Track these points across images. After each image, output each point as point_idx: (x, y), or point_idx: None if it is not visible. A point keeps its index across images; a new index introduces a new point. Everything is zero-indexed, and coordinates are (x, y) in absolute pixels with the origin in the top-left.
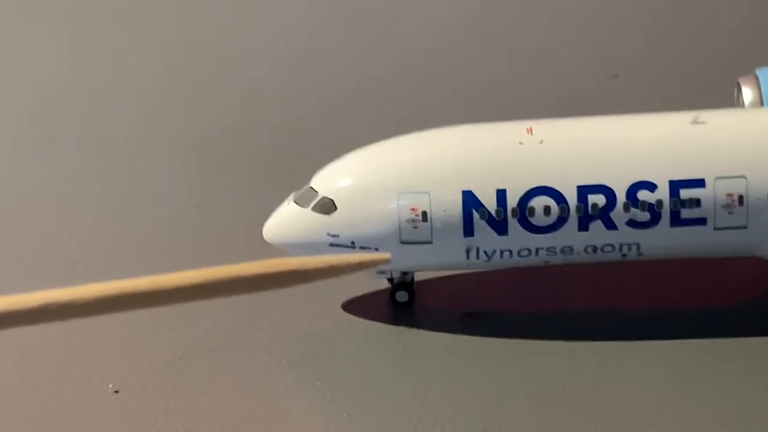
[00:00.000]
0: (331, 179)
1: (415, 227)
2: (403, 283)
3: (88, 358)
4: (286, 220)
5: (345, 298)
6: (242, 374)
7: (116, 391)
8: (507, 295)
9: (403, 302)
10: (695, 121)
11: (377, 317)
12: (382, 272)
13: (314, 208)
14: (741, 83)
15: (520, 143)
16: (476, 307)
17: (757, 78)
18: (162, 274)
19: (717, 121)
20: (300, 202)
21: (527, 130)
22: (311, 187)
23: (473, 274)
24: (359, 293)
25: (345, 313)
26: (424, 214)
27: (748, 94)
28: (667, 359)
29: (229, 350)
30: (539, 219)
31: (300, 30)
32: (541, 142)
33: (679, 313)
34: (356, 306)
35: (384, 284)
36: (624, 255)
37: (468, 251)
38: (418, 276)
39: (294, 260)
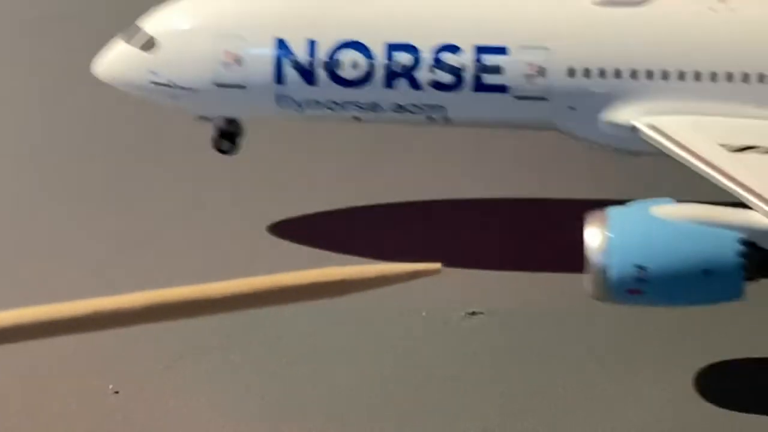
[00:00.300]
0: (157, 18)
1: (229, 70)
2: (228, 131)
3: (88, 358)
4: (113, 56)
5: None
6: (242, 374)
7: (116, 392)
8: (507, 295)
9: (226, 151)
10: None
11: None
12: (205, 117)
13: (136, 45)
14: None
15: None
16: (476, 307)
17: None
18: (208, 284)
19: None
20: (126, 38)
21: None
22: (137, 25)
23: (473, 273)
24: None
25: (345, 314)
26: (238, 57)
27: None
28: (668, 359)
29: (229, 350)
30: (347, 72)
31: None
32: None
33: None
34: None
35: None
36: (430, 118)
37: (279, 98)
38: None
39: (345, 270)
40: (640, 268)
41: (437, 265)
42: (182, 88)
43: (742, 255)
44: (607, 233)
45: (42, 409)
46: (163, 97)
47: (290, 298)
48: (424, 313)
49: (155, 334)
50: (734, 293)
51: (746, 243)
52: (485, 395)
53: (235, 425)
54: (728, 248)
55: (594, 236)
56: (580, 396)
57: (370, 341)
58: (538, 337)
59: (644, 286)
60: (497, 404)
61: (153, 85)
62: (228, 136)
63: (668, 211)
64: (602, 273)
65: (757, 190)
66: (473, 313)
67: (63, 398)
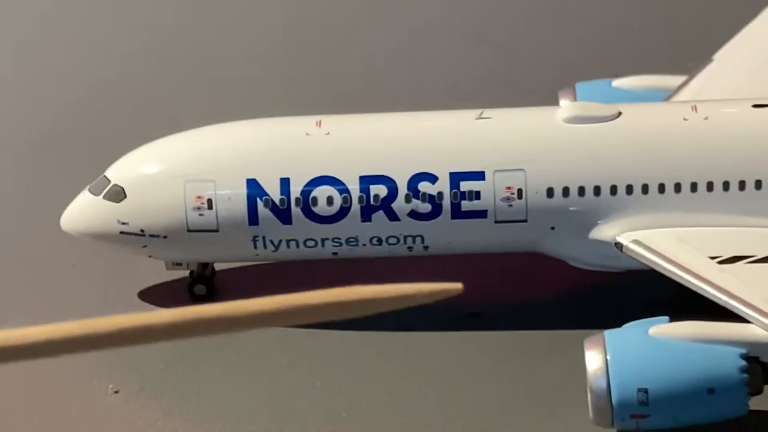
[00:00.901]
0: (123, 168)
1: (201, 215)
2: (202, 276)
3: (88, 358)
4: (80, 208)
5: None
6: (242, 374)
7: (116, 391)
8: (507, 295)
9: (201, 295)
10: (479, 116)
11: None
12: (178, 264)
13: (105, 196)
14: (560, 95)
15: (307, 134)
16: (476, 307)
17: (574, 91)
18: (236, 301)
19: (500, 117)
20: (93, 190)
21: (316, 123)
22: (104, 176)
23: (474, 273)
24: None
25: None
26: (210, 201)
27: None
28: None
29: (229, 350)
30: (322, 209)
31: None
32: (328, 133)
33: None
34: (155, 295)
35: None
36: (410, 248)
37: (255, 240)
38: (424, 277)
39: (366, 289)
40: (643, 391)
41: (458, 285)
42: (154, 236)
43: (745, 371)
44: (606, 358)
45: (42, 409)
46: (135, 246)
47: (316, 316)
48: (423, 314)
49: None
50: (739, 409)
51: (748, 358)
52: (485, 395)
53: (235, 425)
54: (731, 365)
55: (593, 361)
56: (581, 396)
57: (370, 341)
58: (538, 338)
59: (648, 410)
60: (497, 404)
61: (123, 235)
62: (202, 281)
63: (666, 330)
64: (604, 398)
65: (753, 302)
66: (473, 313)
67: (63, 398)
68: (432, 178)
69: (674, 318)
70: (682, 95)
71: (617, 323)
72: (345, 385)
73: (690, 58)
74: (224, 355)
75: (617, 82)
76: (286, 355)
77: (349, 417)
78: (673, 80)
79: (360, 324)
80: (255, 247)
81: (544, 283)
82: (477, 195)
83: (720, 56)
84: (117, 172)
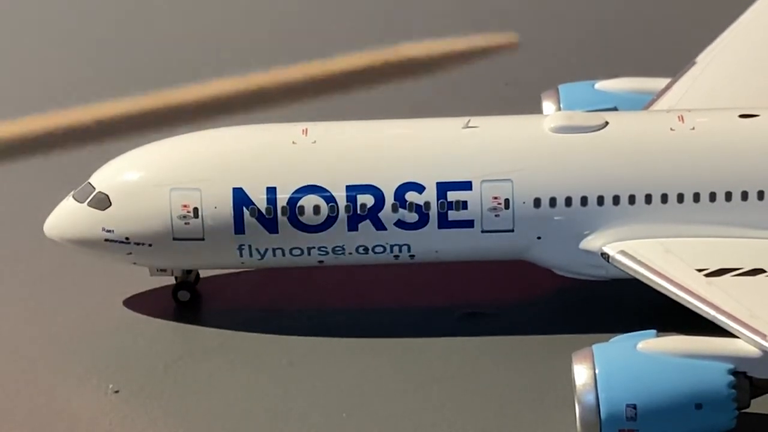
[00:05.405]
0: (108, 175)
1: (186, 224)
2: (186, 282)
3: (88, 358)
4: (64, 215)
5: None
6: (242, 374)
7: (116, 391)
8: (507, 295)
9: (184, 301)
10: (466, 125)
11: (161, 315)
12: (162, 270)
13: (90, 204)
14: (543, 97)
15: (294, 143)
16: (476, 307)
17: (557, 92)
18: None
19: (487, 125)
20: (78, 197)
21: (302, 130)
22: (89, 183)
23: (474, 273)
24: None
25: (345, 314)
26: (196, 210)
27: (548, 107)
28: None
29: (229, 350)
30: (309, 218)
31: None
32: (314, 142)
33: None
34: (140, 300)
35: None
36: (396, 257)
37: (240, 249)
38: (423, 277)
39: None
40: (631, 406)
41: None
42: (140, 243)
43: (733, 386)
44: (594, 372)
45: (42, 409)
46: (119, 253)
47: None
48: (424, 313)
49: (155, 334)
50: (726, 423)
51: (735, 373)
52: (485, 395)
53: (235, 425)
54: (719, 381)
55: (581, 375)
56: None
57: (370, 342)
58: (538, 338)
59: (636, 425)
60: (497, 404)
61: (108, 242)
62: (186, 286)
63: (654, 345)
64: (593, 413)
65: (741, 317)
66: (473, 313)
67: (63, 398)
68: (419, 188)
69: (662, 326)
70: (666, 100)
71: (608, 326)
72: (345, 385)
73: (674, 60)
74: (224, 355)
75: (600, 85)
76: (286, 355)
77: (349, 417)
78: (657, 83)
79: (360, 324)
80: (240, 255)
81: (541, 283)
82: (464, 205)
83: (703, 59)
84: (102, 180)
